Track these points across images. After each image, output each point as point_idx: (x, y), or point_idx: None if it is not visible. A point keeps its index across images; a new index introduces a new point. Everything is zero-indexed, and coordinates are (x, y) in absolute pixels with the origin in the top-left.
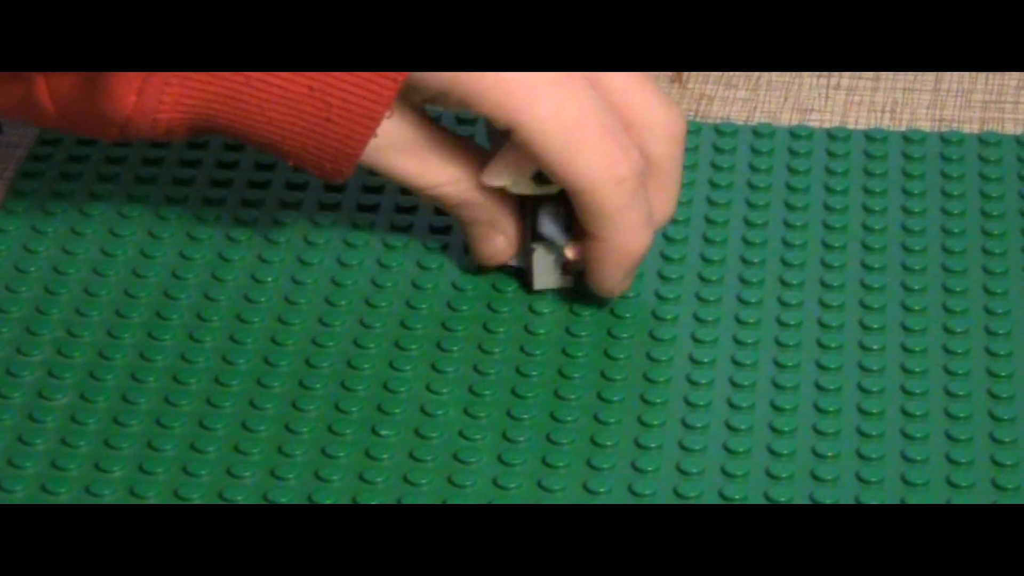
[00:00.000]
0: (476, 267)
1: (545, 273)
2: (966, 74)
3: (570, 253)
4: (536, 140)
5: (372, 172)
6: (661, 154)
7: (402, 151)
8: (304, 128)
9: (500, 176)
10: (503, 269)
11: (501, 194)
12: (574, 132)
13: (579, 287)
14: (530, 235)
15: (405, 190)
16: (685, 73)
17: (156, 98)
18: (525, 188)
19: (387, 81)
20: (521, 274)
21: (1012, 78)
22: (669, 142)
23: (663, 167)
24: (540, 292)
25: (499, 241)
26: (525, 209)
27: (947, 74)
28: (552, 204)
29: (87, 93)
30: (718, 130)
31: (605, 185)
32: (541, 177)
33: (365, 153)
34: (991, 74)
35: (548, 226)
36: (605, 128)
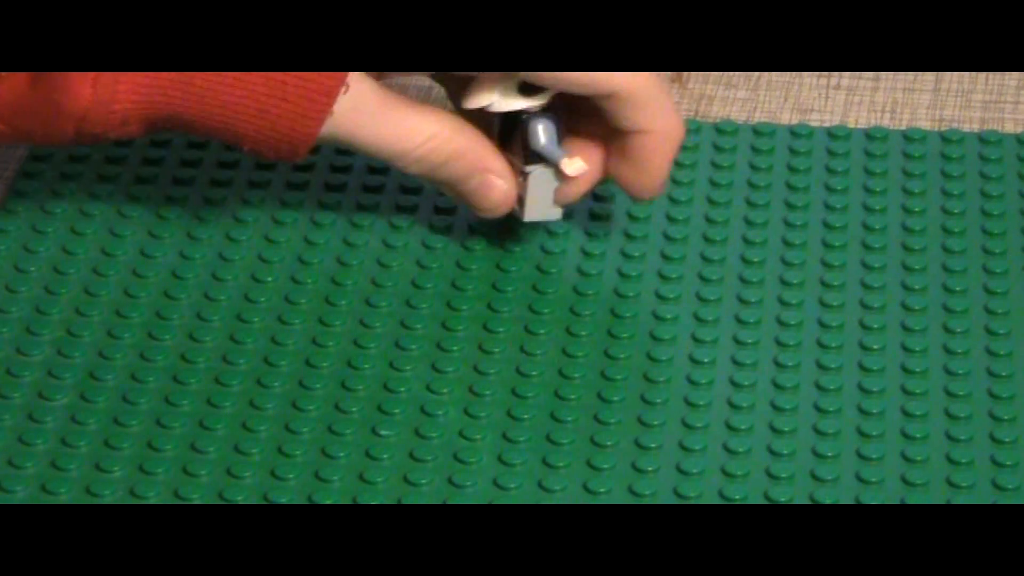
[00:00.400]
0: (481, 216)
1: (539, 201)
2: (966, 74)
3: (566, 167)
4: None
5: (352, 150)
6: None
7: (373, 117)
8: (258, 109)
9: (484, 95)
10: (503, 269)
11: (484, 136)
12: None
13: (579, 286)
14: (522, 159)
15: (405, 189)
16: (685, 73)
17: (111, 87)
18: (512, 103)
19: None
20: (522, 271)
21: (1012, 78)
22: None
23: None
24: (541, 292)
25: (499, 186)
26: (511, 141)
27: (947, 74)
28: (540, 119)
29: (39, 93)
30: (718, 129)
31: (635, 76)
32: (524, 89)
33: (340, 130)
34: (991, 74)
35: (542, 140)
36: None
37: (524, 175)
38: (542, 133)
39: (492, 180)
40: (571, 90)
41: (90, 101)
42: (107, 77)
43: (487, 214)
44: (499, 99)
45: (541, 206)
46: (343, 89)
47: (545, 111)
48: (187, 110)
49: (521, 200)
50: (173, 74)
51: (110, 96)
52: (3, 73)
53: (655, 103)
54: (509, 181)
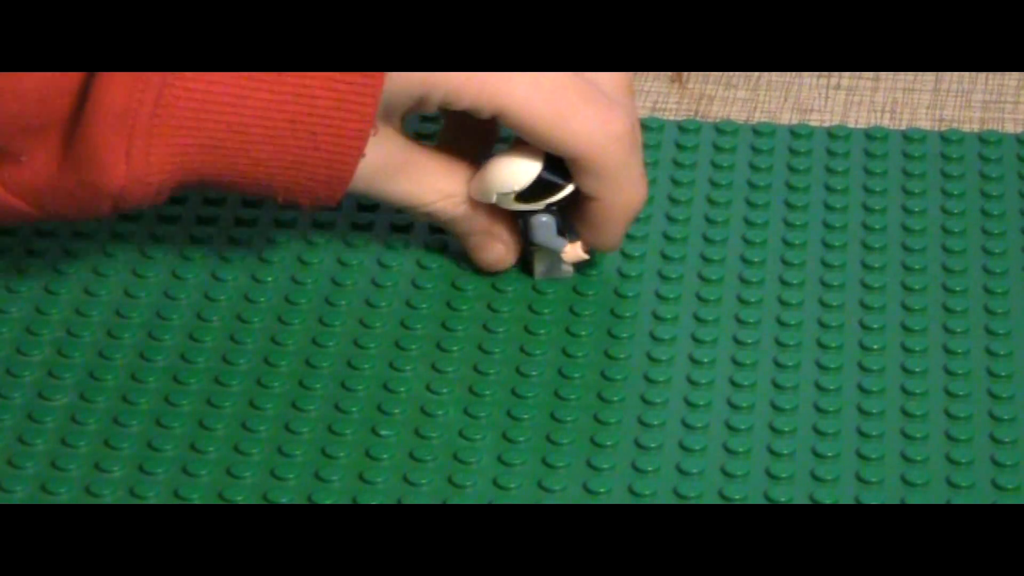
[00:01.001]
0: (476, 268)
1: (546, 268)
2: (966, 74)
3: (567, 256)
4: (523, 117)
5: (365, 197)
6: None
7: (392, 176)
8: (292, 161)
9: (484, 194)
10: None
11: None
12: (556, 100)
13: (579, 286)
14: (528, 242)
15: None
16: (685, 73)
17: (144, 160)
18: (509, 205)
19: (366, 98)
20: (522, 271)
21: (1012, 78)
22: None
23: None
24: (540, 292)
25: (498, 248)
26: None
27: (947, 74)
28: (539, 217)
29: (70, 176)
30: (718, 129)
31: (603, 145)
32: (524, 196)
33: (357, 182)
34: (991, 74)
35: (540, 236)
36: (586, 93)
37: (531, 251)
38: (541, 230)
39: (491, 242)
40: (538, 145)
41: (126, 178)
42: (138, 150)
43: (484, 269)
44: (498, 200)
45: (550, 269)
46: (372, 131)
47: (546, 208)
48: (219, 172)
49: (531, 264)
50: (202, 139)
51: (144, 169)
52: (25, 157)
53: (616, 175)
54: (509, 245)
